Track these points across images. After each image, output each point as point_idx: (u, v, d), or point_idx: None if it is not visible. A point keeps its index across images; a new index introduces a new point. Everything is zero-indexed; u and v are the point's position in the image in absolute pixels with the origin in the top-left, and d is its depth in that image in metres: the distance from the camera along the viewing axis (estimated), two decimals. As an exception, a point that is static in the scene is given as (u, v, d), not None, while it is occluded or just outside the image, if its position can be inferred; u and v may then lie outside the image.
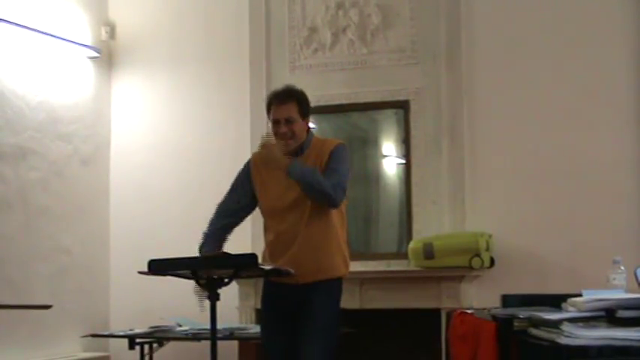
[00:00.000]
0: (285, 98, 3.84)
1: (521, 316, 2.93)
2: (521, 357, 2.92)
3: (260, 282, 4.62)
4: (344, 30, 6.21)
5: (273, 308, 3.93)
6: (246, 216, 4.05)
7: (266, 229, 3.95)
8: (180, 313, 5.78)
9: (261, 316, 4.12)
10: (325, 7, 6.25)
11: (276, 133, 3.84)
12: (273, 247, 3.87)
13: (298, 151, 3.88)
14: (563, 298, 2.94)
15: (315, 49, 6.26)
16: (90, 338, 5.90)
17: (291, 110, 3.81)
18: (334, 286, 3.87)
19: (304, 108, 3.87)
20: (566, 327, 2.56)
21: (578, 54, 5.72)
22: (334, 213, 3.85)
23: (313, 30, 6.28)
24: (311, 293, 3.78)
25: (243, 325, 5.66)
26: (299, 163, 3.75)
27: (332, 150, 3.87)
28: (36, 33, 5.98)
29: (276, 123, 3.84)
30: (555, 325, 2.63)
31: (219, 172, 5.65)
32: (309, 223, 3.77)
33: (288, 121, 3.81)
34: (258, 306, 5.65)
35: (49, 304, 4.56)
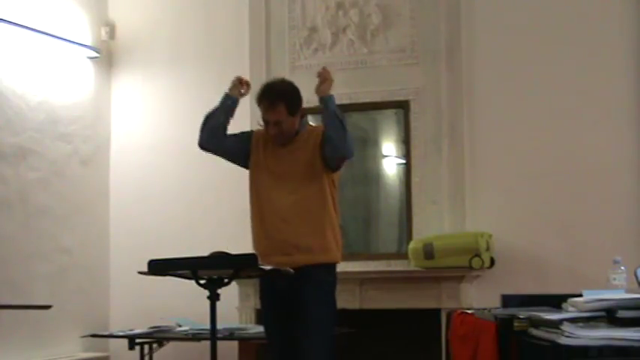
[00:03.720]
0: (274, 100, 3.92)
1: (521, 316, 2.93)
2: (521, 357, 2.92)
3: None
4: (344, 30, 6.21)
5: (270, 301, 3.95)
6: (228, 152, 4.12)
7: (255, 210, 3.96)
8: (180, 313, 5.78)
9: (261, 314, 4.12)
10: (325, 7, 6.25)
11: (266, 131, 3.97)
12: (262, 224, 3.90)
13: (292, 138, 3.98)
14: (563, 298, 2.94)
15: (315, 49, 6.26)
16: (90, 338, 5.90)
17: (280, 113, 3.91)
18: (328, 279, 3.88)
19: (294, 107, 3.95)
20: (566, 327, 2.56)
21: (578, 54, 5.72)
22: (328, 194, 3.89)
23: (313, 30, 6.27)
24: (305, 286, 3.77)
25: (243, 325, 5.66)
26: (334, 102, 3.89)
27: (323, 132, 3.94)
28: (36, 33, 5.97)
29: (266, 122, 3.97)
30: (555, 325, 2.63)
31: (218, 172, 5.64)
32: (303, 203, 3.82)
33: (277, 123, 3.92)
34: (258, 306, 5.63)
35: (49, 304, 4.56)
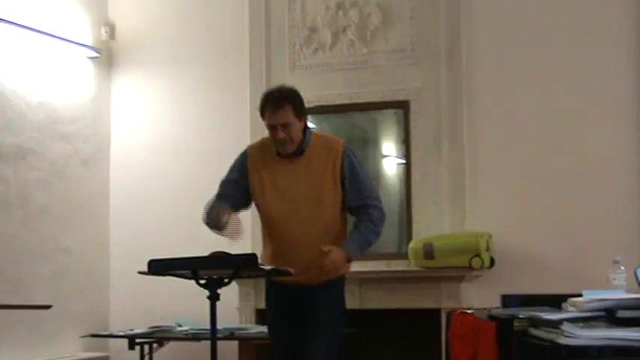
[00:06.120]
0: (279, 102, 3.73)
1: (521, 316, 2.93)
2: (521, 357, 2.92)
3: (260, 282, 4.62)
4: (344, 30, 6.21)
5: (278, 308, 3.92)
6: (242, 209, 3.94)
7: (268, 231, 3.88)
8: (180, 313, 5.78)
9: (266, 316, 4.09)
10: (325, 7, 6.25)
11: (274, 138, 3.77)
12: (280, 252, 3.80)
13: (297, 152, 3.84)
14: (563, 298, 2.94)
15: (315, 49, 6.26)
16: (90, 338, 5.91)
17: (288, 115, 3.72)
18: (338, 285, 3.86)
19: (299, 109, 3.78)
20: (566, 327, 2.56)
21: (578, 54, 5.72)
22: (340, 215, 3.83)
23: (313, 30, 6.27)
24: (316, 294, 3.76)
25: (243, 325, 5.66)
26: (352, 246, 3.72)
27: (342, 158, 3.79)
28: (36, 33, 5.97)
29: (272, 128, 3.75)
30: (555, 325, 2.63)
31: (218, 172, 5.62)
32: (315, 227, 3.73)
33: (285, 126, 3.72)
34: (259, 306, 5.64)
35: (49, 304, 4.56)
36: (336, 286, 3.84)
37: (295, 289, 3.78)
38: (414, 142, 6.00)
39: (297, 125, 3.76)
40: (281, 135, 3.73)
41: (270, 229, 3.86)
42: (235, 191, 3.90)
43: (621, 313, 2.64)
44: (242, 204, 3.90)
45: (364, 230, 3.78)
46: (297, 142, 3.78)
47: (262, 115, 3.79)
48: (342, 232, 3.87)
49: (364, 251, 3.82)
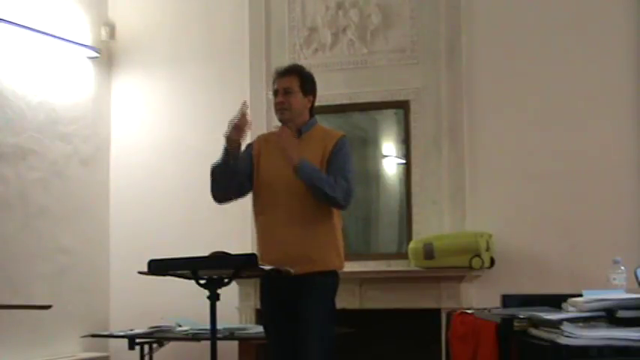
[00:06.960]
0: (288, 71, 3.93)
1: (521, 316, 2.92)
2: (521, 357, 2.92)
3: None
4: (344, 30, 6.21)
5: (270, 302, 3.94)
6: (244, 192, 4.00)
7: (257, 210, 3.93)
8: (180, 313, 5.78)
9: (261, 313, 4.11)
10: (325, 7, 6.25)
11: (274, 106, 3.90)
12: (265, 231, 3.87)
13: (296, 134, 3.88)
14: (563, 298, 2.94)
15: (315, 49, 6.26)
16: (90, 338, 5.91)
17: (292, 82, 3.87)
18: (328, 281, 3.85)
19: (306, 84, 3.90)
20: (566, 327, 2.56)
21: (578, 54, 5.72)
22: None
23: (313, 30, 6.28)
24: (304, 288, 3.76)
25: (243, 325, 5.66)
26: (310, 164, 3.72)
27: (335, 143, 3.85)
28: (36, 33, 5.98)
29: (275, 94, 3.91)
30: (555, 325, 2.63)
31: (219, 172, 5.65)
32: (304, 210, 3.76)
33: (287, 92, 3.86)
34: (259, 306, 5.64)
35: (49, 304, 4.56)
36: (324, 282, 3.84)
37: (288, 283, 3.75)
38: (414, 142, 6.00)
39: (298, 97, 3.87)
40: (280, 99, 3.87)
41: (258, 212, 3.91)
42: (242, 155, 3.95)
43: (621, 313, 2.64)
44: (245, 165, 3.94)
45: (326, 176, 3.75)
46: (295, 115, 3.86)
47: (273, 83, 3.97)
48: (328, 221, 3.84)
49: (309, 182, 3.72)
